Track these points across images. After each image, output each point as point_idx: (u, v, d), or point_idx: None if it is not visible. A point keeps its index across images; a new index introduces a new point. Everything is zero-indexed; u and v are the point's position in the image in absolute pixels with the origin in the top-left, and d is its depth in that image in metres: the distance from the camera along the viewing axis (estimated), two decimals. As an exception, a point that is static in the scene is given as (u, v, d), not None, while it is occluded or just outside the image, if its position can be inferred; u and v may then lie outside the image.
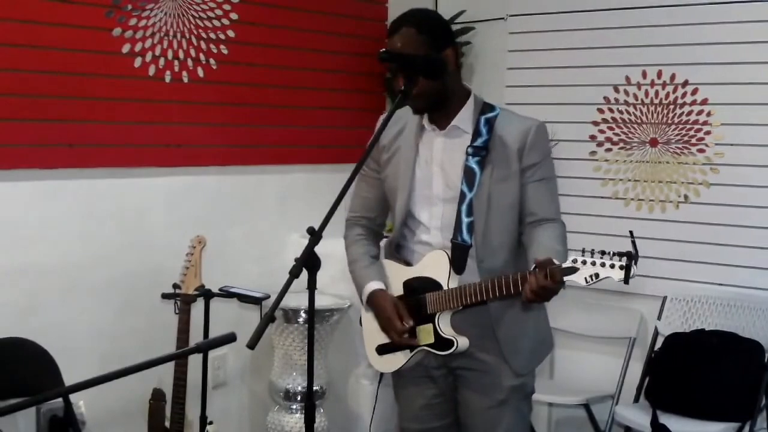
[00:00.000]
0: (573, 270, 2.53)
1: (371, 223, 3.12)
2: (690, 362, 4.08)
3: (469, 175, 2.82)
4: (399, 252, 3.03)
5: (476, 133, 2.85)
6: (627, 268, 2.47)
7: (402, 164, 2.94)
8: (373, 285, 2.96)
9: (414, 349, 2.92)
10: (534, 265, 2.57)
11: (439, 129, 2.89)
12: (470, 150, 2.83)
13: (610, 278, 2.50)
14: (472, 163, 2.82)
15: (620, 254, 2.48)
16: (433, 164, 2.90)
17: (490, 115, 2.87)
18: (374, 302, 2.95)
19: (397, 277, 2.98)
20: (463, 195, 2.82)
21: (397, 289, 2.97)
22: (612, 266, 2.49)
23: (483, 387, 2.92)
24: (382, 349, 3.01)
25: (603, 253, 2.51)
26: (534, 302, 2.64)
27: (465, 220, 2.81)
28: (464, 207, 2.81)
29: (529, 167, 2.82)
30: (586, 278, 2.52)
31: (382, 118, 3.01)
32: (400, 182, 2.93)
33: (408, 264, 2.98)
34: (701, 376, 4.01)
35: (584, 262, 2.52)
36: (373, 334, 3.03)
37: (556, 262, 2.56)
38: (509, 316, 2.88)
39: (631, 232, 2.55)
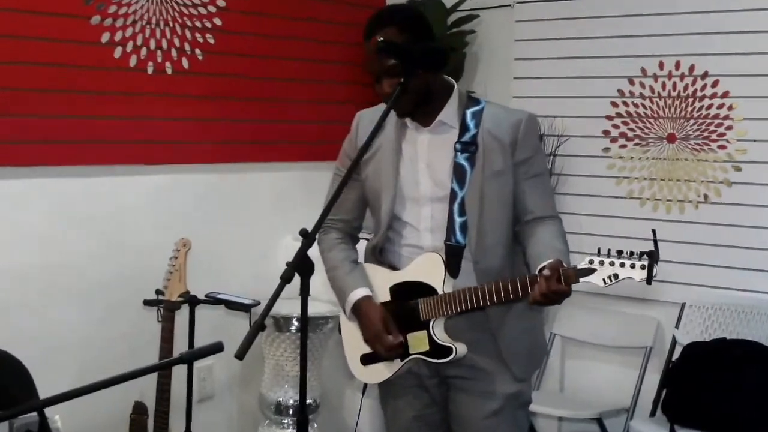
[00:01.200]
0: (590, 271, 2.55)
1: (347, 226, 3.11)
2: (710, 373, 4.08)
3: (459, 173, 2.83)
4: (383, 256, 3.02)
5: (463, 128, 2.86)
6: (649, 268, 2.48)
7: (384, 164, 2.94)
8: (360, 292, 2.95)
9: (405, 357, 2.91)
10: (542, 267, 2.58)
11: (422, 126, 2.90)
12: (458, 146, 2.84)
13: (630, 279, 2.51)
14: (462, 159, 2.84)
15: (641, 254, 2.50)
16: (418, 162, 2.91)
17: (475, 108, 2.89)
18: (361, 312, 2.94)
19: (382, 282, 2.97)
20: (454, 194, 2.83)
21: (383, 295, 2.96)
22: (632, 266, 2.50)
23: (478, 396, 2.91)
24: (367, 359, 3.00)
25: (620, 252, 2.52)
26: (542, 305, 2.66)
27: (458, 219, 2.83)
28: (456, 206, 2.83)
29: (523, 162, 2.85)
30: (604, 279, 2.54)
31: (359, 114, 3.06)
32: (383, 183, 2.94)
33: (394, 268, 2.98)
34: (722, 388, 4.01)
35: (602, 263, 2.53)
36: (356, 342, 3.02)
37: (564, 264, 2.59)
38: (509, 318, 2.89)
39: (653, 231, 2.55)
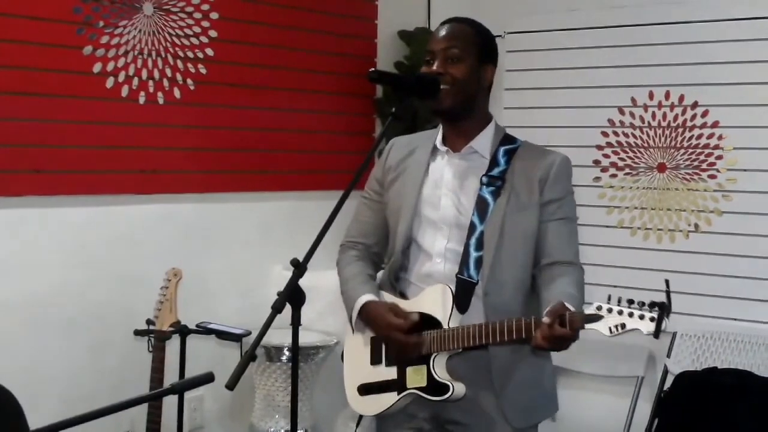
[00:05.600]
0: (596, 318, 2.46)
1: (367, 249, 3.05)
2: (702, 403, 4.07)
3: (481, 206, 2.78)
4: (396, 283, 2.95)
5: (494, 163, 2.83)
6: (658, 321, 2.41)
7: (408, 184, 2.90)
8: (366, 297, 2.86)
9: (401, 391, 2.84)
10: (546, 310, 2.51)
11: (453, 151, 2.87)
12: (485, 179, 2.80)
13: (637, 330, 2.44)
14: (486, 193, 2.79)
15: (651, 305, 2.43)
16: (443, 186, 2.86)
17: (510, 146, 2.86)
18: (368, 313, 2.84)
19: None
20: (473, 227, 2.78)
21: None
22: (641, 317, 2.43)
23: None
24: (364, 389, 2.92)
25: (630, 301, 2.45)
26: (546, 350, 2.59)
27: (473, 254, 2.77)
28: (473, 240, 2.77)
29: (550, 203, 2.79)
30: (610, 328, 2.46)
31: (393, 140, 3.04)
32: (405, 201, 2.89)
33: (403, 297, 2.91)
34: (714, 417, 4.00)
35: (609, 310, 2.46)
36: (356, 368, 2.95)
37: (570, 307, 2.50)
38: (510, 362, 2.81)
39: (666, 282, 2.47)
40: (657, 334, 2.42)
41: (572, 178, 2.89)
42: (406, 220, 2.88)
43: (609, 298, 2.48)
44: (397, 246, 2.90)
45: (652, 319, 2.42)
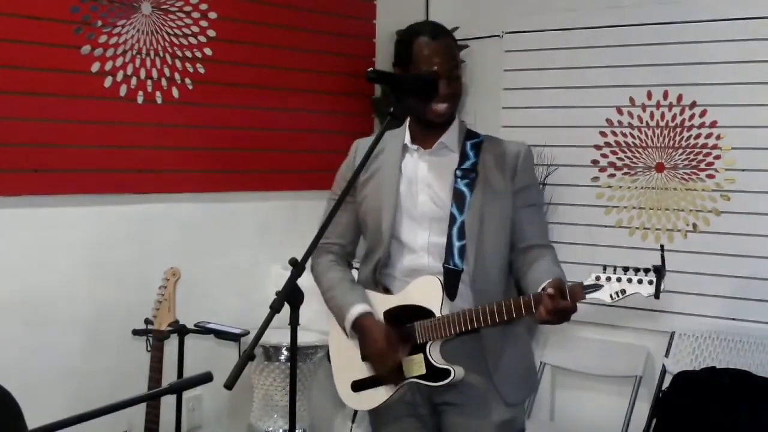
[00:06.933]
0: (597, 287, 2.57)
1: (342, 250, 3.11)
2: (700, 403, 4.07)
3: (458, 198, 2.87)
4: (377, 279, 3.00)
5: (463, 156, 2.92)
6: (657, 283, 2.51)
7: (384, 183, 2.96)
8: (360, 308, 2.91)
9: (399, 382, 2.89)
10: (544, 286, 2.60)
11: (423, 148, 2.94)
12: (459, 173, 2.89)
13: (638, 294, 2.54)
14: (461, 185, 2.88)
15: (646, 269, 2.53)
16: (418, 183, 2.93)
17: (475, 140, 2.96)
18: (363, 328, 2.91)
19: (376, 306, 2.95)
20: (453, 218, 2.86)
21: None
22: (640, 281, 2.54)
23: (472, 419, 2.90)
24: (358, 385, 2.97)
25: (626, 269, 2.55)
26: (550, 324, 2.64)
27: (456, 244, 2.85)
28: (455, 230, 2.85)
29: (521, 190, 2.90)
30: (611, 295, 2.56)
31: (356, 141, 3.10)
32: (384, 201, 2.95)
33: (387, 292, 2.97)
34: (712, 417, 4.00)
35: (608, 279, 2.56)
36: (346, 366, 3.00)
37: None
38: (501, 341, 2.89)
39: (661, 246, 2.59)
40: (657, 294, 2.53)
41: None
42: (389, 219, 2.93)
43: (605, 268, 2.58)
44: (384, 244, 2.95)
45: (650, 282, 2.53)
